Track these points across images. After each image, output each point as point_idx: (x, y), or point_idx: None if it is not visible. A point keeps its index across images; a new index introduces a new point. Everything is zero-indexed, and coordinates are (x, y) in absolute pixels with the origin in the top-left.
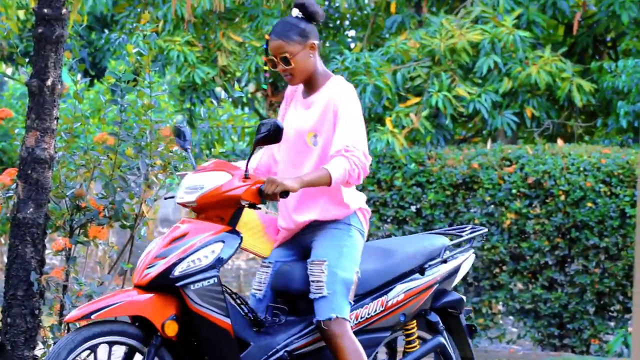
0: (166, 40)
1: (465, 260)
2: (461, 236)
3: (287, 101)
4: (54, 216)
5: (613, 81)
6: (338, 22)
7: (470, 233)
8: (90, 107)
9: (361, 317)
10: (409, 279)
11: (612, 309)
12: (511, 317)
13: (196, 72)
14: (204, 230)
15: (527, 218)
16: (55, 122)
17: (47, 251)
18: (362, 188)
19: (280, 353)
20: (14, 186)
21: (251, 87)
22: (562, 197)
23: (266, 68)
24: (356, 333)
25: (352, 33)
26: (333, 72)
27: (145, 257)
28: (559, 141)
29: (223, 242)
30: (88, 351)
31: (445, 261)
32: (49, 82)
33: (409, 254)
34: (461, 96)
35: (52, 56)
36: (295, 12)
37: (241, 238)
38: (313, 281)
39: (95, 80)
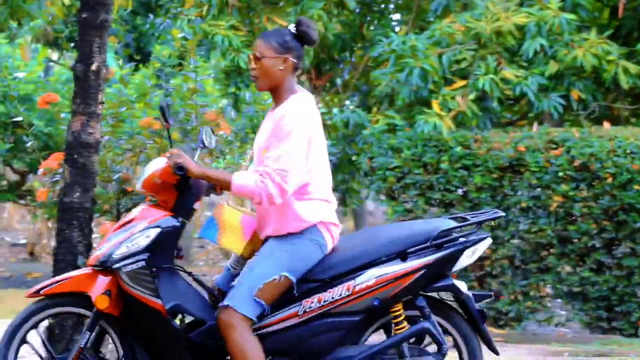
0: (211, 25)
1: (477, 244)
2: (467, 219)
3: None
4: (101, 200)
5: None
6: (382, 5)
7: (482, 217)
8: (135, 91)
9: (324, 301)
10: (385, 264)
11: None
12: (559, 300)
13: (241, 56)
14: (147, 216)
15: (574, 201)
16: (100, 106)
17: (93, 235)
18: (408, 171)
19: None
20: (60, 170)
21: None
22: (609, 180)
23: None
24: (320, 316)
25: (396, 16)
26: (380, 55)
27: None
28: (605, 124)
29: (160, 227)
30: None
31: (439, 246)
32: (93, 67)
33: (390, 239)
34: (507, 79)
35: (96, 41)
36: (291, 26)
37: (180, 222)
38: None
39: (140, 65)
